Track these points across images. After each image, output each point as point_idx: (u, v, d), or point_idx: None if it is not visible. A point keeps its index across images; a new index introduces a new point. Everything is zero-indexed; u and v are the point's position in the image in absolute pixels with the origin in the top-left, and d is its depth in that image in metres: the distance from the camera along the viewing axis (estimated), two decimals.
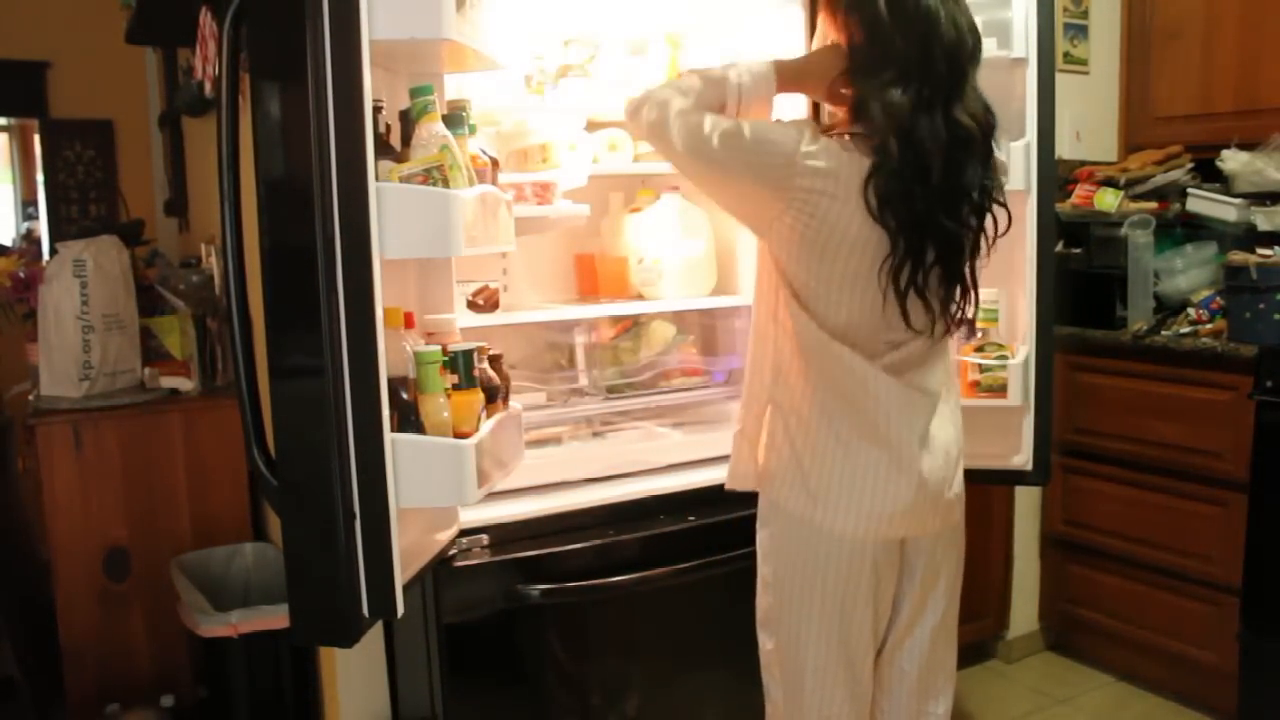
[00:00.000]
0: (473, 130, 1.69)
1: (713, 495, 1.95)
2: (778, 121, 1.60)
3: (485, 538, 1.92)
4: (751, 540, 1.69)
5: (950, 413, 1.64)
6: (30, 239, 5.30)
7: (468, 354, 1.58)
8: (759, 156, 1.48)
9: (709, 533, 2.02)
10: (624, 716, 2.07)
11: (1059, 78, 2.15)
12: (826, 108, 1.79)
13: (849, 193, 1.46)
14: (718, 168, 1.52)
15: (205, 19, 2.54)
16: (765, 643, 1.67)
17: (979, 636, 3.12)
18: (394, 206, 1.42)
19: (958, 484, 1.65)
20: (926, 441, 1.58)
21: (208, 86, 2.61)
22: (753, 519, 1.68)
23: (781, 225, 1.50)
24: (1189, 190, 2.99)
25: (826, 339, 1.53)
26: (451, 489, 1.51)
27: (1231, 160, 2.90)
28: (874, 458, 1.55)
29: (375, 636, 2.21)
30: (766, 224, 1.53)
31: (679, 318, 2.42)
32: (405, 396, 1.52)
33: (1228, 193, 2.92)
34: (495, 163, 1.76)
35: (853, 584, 1.58)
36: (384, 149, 1.52)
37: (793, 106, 2.21)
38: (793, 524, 1.59)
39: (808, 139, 1.48)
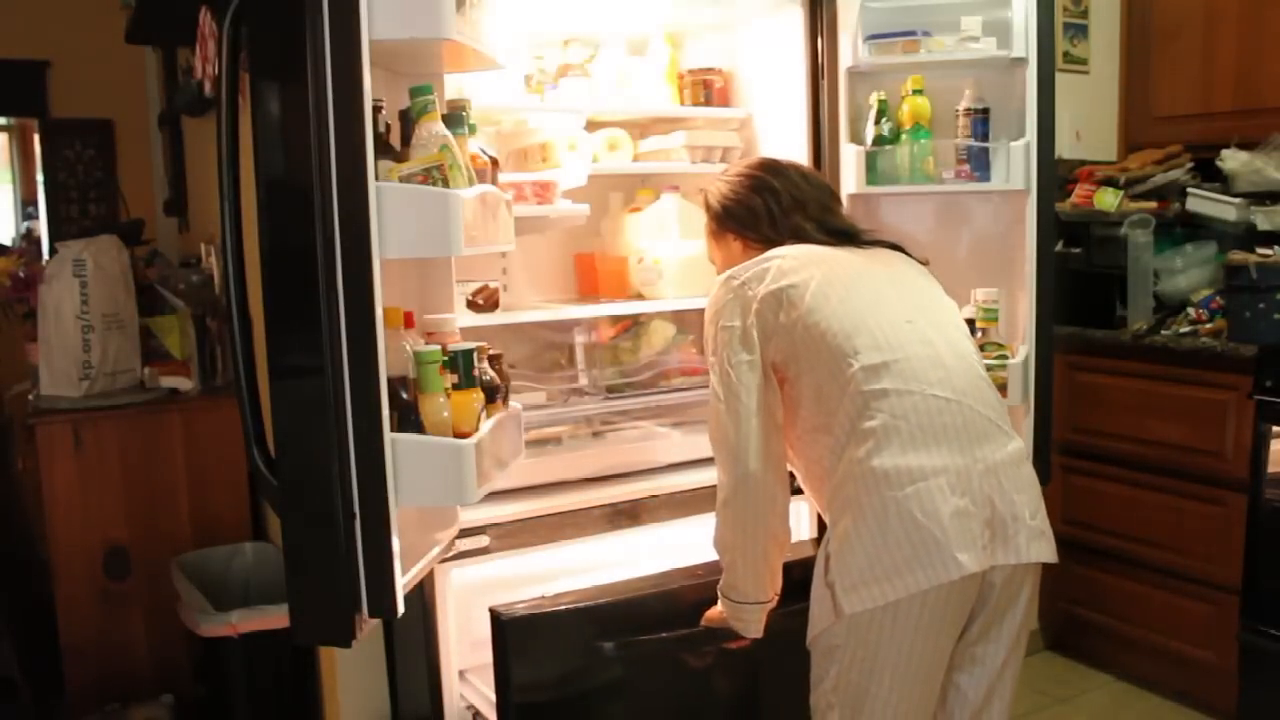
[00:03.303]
0: (473, 130, 1.69)
1: (712, 495, 1.93)
2: (723, 325, 1.66)
3: (486, 537, 1.92)
4: None
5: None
6: (30, 239, 5.30)
7: (468, 354, 1.58)
8: (738, 371, 1.62)
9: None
10: None
11: (1059, 77, 2.15)
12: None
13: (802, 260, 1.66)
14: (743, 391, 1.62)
15: (205, 19, 2.54)
16: (826, 695, 1.60)
17: None
18: (394, 206, 1.42)
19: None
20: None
21: (208, 86, 2.61)
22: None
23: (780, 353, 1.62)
24: (1189, 190, 2.99)
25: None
26: (452, 489, 1.51)
27: (1231, 160, 2.90)
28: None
29: (375, 636, 2.21)
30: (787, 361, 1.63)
31: (679, 317, 2.42)
32: (405, 396, 1.52)
33: (1228, 192, 2.92)
34: (495, 162, 1.76)
35: (939, 642, 1.54)
36: (384, 149, 1.52)
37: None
38: (867, 621, 1.52)
39: (746, 284, 1.63)
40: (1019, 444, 1.62)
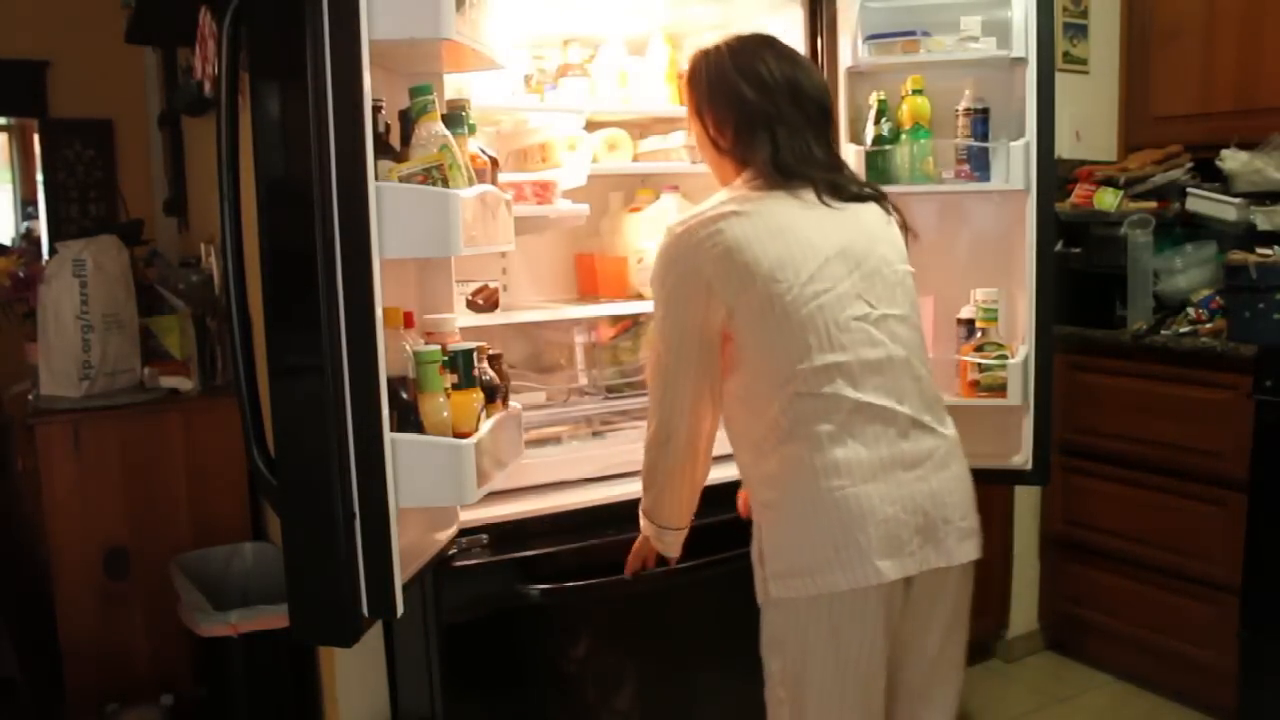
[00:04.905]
0: (472, 130, 1.69)
1: (710, 494, 1.95)
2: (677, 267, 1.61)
3: (485, 537, 1.92)
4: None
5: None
6: (30, 239, 5.30)
7: (467, 354, 1.58)
8: (683, 320, 1.60)
9: (710, 532, 2.01)
10: (623, 717, 2.07)
11: (1059, 77, 2.15)
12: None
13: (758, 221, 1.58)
14: (680, 353, 1.62)
15: (205, 18, 2.54)
16: (776, 689, 1.63)
17: (979, 635, 3.08)
18: (393, 206, 1.42)
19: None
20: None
21: (207, 86, 2.61)
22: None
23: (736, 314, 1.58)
24: (1189, 190, 2.99)
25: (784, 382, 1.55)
26: (451, 488, 1.51)
27: (1231, 160, 2.90)
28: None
29: (375, 636, 2.21)
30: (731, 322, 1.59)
31: None
32: (405, 396, 1.52)
33: (1227, 192, 2.92)
34: (495, 162, 1.76)
35: (869, 637, 1.55)
36: (384, 149, 1.52)
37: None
38: (797, 611, 1.56)
39: (701, 243, 1.56)
40: (952, 440, 1.63)
